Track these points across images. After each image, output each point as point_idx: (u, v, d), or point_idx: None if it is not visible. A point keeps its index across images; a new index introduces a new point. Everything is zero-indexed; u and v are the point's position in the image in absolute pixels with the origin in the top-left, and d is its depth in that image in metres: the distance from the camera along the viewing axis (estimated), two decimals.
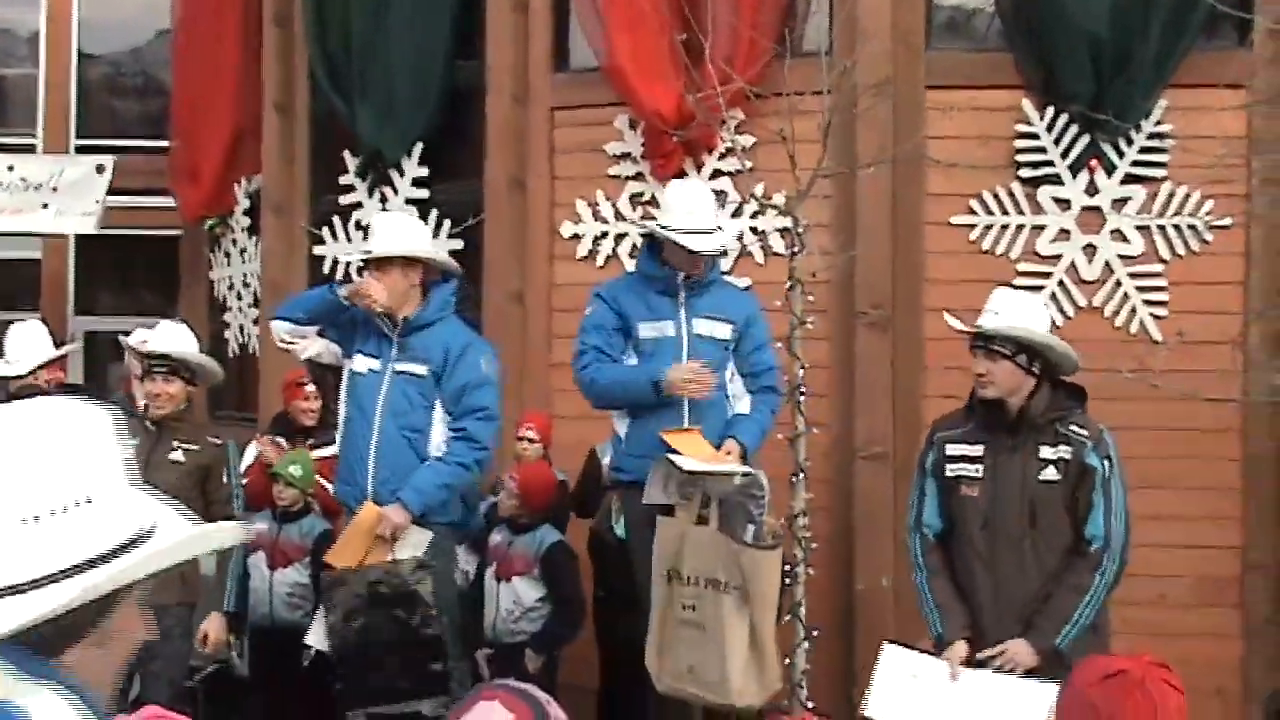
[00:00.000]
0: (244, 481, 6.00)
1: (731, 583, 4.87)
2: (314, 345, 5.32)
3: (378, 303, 5.11)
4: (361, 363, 5.26)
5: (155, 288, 13.07)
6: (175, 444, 5.70)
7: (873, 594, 6.74)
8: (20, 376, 6.65)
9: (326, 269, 8.24)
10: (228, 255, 9.42)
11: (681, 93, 6.81)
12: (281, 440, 7.10)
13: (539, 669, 5.68)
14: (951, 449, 4.60)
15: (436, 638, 5.05)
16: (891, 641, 4.75)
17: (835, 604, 6.62)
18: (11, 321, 7.02)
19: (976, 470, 4.48)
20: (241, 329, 9.20)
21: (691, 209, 5.10)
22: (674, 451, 4.90)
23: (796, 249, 5.82)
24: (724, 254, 5.28)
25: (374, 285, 5.12)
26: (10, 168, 11.26)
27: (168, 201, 11.46)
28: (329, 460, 6.68)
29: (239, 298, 9.29)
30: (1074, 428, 4.43)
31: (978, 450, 4.51)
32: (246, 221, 9.10)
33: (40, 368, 6.64)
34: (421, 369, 5.21)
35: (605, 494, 6.44)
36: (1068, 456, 4.39)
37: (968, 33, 7.22)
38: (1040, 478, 4.40)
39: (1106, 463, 4.36)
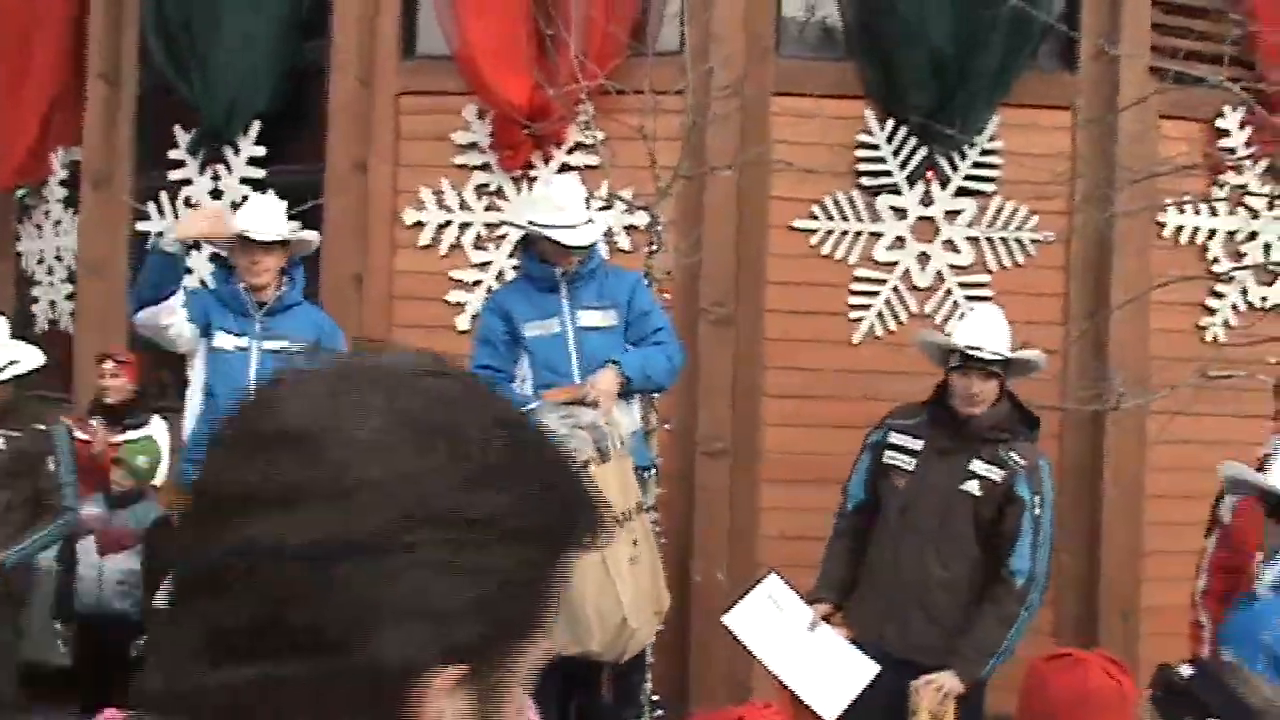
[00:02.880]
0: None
1: (640, 499, 4.98)
2: (177, 317, 5.12)
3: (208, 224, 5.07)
4: (225, 339, 5.17)
5: None
6: None
7: (709, 586, 6.85)
8: None
9: (150, 245, 7.94)
10: (39, 227, 8.99)
11: (534, 84, 6.82)
12: (95, 422, 6.87)
13: None
14: (895, 437, 4.75)
15: None
16: (778, 573, 4.88)
17: (674, 596, 6.70)
18: None
19: (909, 463, 4.63)
20: (53, 304, 8.80)
21: (561, 204, 5.08)
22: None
23: (655, 246, 5.90)
24: (591, 247, 5.24)
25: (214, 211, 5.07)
26: None
27: None
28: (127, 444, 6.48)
29: (50, 272, 8.88)
30: (1013, 454, 4.58)
31: (917, 445, 4.66)
32: (62, 193, 8.71)
33: None
34: (296, 346, 5.14)
35: None
36: (996, 479, 4.54)
37: (816, 41, 7.39)
38: (961, 488, 4.55)
39: (1037, 497, 4.51)
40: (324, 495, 0.89)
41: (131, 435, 6.70)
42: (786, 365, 7.07)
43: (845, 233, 7.07)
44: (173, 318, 5.06)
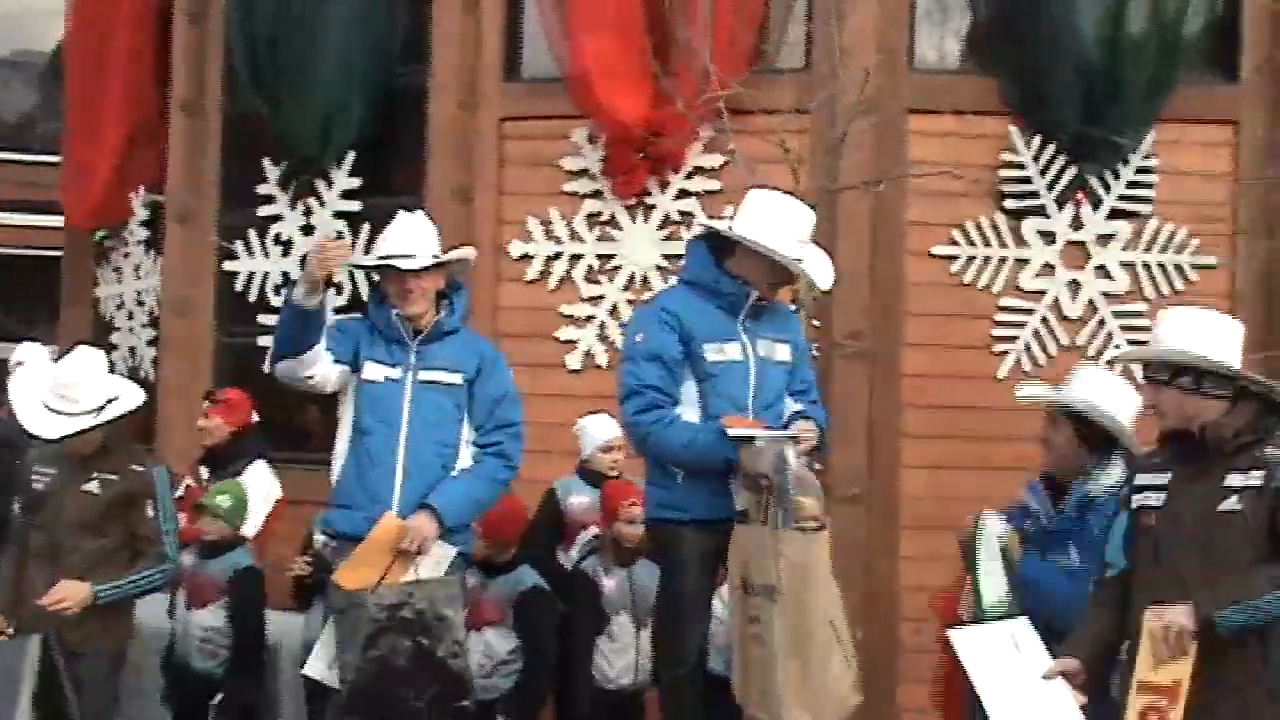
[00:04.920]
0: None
1: (773, 584, 4.23)
2: (320, 366, 4.56)
3: (339, 262, 4.47)
4: (376, 370, 4.58)
5: (24, 308, 12.07)
6: (93, 474, 4.92)
7: None
8: None
9: (240, 285, 7.55)
10: (118, 271, 8.61)
11: (654, 101, 6.38)
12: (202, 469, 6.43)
13: None
14: (1141, 478, 4.10)
15: (465, 671, 4.44)
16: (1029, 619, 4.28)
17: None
18: None
19: (1159, 499, 3.99)
20: (133, 350, 8.38)
21: (793, 232, 4.37)
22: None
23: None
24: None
25: (337, 245, 4.51)
26: None
27: (37, 219, 10.63)
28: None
29: (130, 317, 8.48)
30: (1270, 450, 3.92)
31: (1164, 478, 4.01)
32: (144, 234, 8.32)
33: None
34: (454, 378, 4.59)
35: (567, 535, 5.93)
36: (1259, 483, 3.89)
37: (954, 55, 6.89)
38: (1220, 509, 3.90)
39: None
40: None
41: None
42: (926, 403, 6.53)
43: (989, 259, 6.55)
44: (314, 368, 4.50)
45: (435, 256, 4.62)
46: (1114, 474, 4.35)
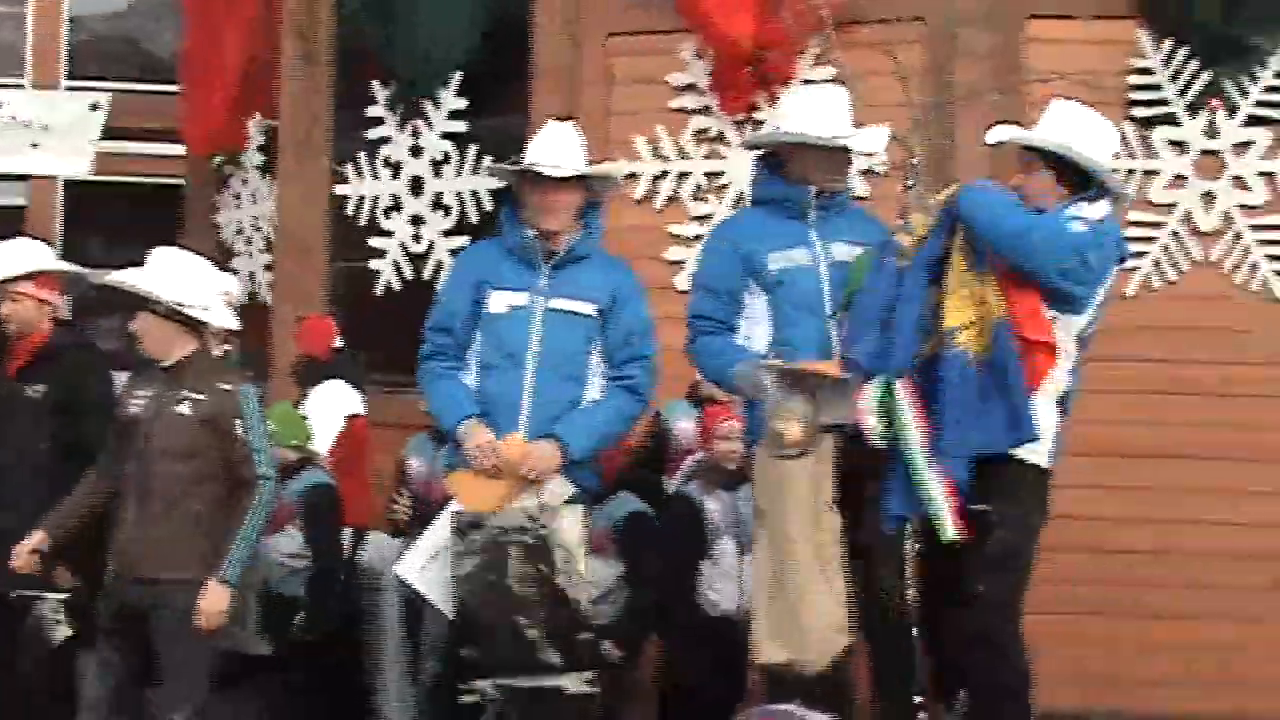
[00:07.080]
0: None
1: (763, 509, 4.25)
2: None
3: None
4: (501, 300, 4.47)
5: (149, 237, 12.29)
6: (183, 395, 4.79)
7: None
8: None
9: (350, 209, 7.57)
10: (237, 197, 8.68)
11: (761, 14, 6.18)
12: None
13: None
14: None
15: (583, 603, 4.38)
16: None
17: None
18: None
19: None
20: (252, 275, 8.46)
21: (829, 115, 4.33)
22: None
23: (911, 182, 5.19)
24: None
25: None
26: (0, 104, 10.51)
27: (162, 148, 10.77)
28: None
29: (249, 242, 8.56)
30: None
31: None
32: (259, 159, 8.37)
33: (23, 277, 5.32)
34: (586, 307, 4.48)
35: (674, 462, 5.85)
36: None
37: None
38: None
39: None
40: None
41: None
42: None
43: (1115, 171, 6.23)
44: None
45: (577, 170, 4.49)
46: (1099, 209, 4.30)
